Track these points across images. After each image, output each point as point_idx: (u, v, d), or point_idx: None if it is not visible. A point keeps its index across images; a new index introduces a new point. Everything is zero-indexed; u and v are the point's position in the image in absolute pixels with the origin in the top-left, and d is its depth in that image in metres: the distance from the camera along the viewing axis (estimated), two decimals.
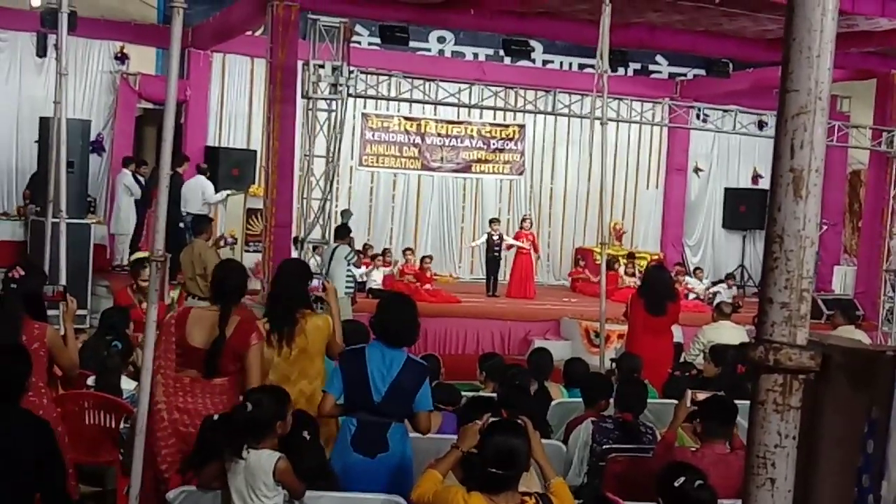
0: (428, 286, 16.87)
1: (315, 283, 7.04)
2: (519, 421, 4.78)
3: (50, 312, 6.61)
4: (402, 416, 5.69)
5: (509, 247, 18.38)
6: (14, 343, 5.45)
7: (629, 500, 5.35)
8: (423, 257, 17.81)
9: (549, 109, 16.65)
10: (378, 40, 16.83)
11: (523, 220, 19.01)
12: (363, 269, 16.37)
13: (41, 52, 16.45)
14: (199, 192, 15.78)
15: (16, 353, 5.14)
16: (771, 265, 1.78)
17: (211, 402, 5.77)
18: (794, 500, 1.73)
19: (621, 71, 19.01)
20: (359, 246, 17.64)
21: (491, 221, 18.50)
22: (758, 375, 1.76)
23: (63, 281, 10.26)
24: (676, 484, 4.64)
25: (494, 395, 7.45)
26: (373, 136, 19.85)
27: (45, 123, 13.78)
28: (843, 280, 20.33)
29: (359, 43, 18.22)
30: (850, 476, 1.75)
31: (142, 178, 16.55)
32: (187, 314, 6.03)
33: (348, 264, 13.31)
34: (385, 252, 18.19)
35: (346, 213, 17.40)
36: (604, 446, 6.76)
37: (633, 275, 18.28)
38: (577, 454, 6.99)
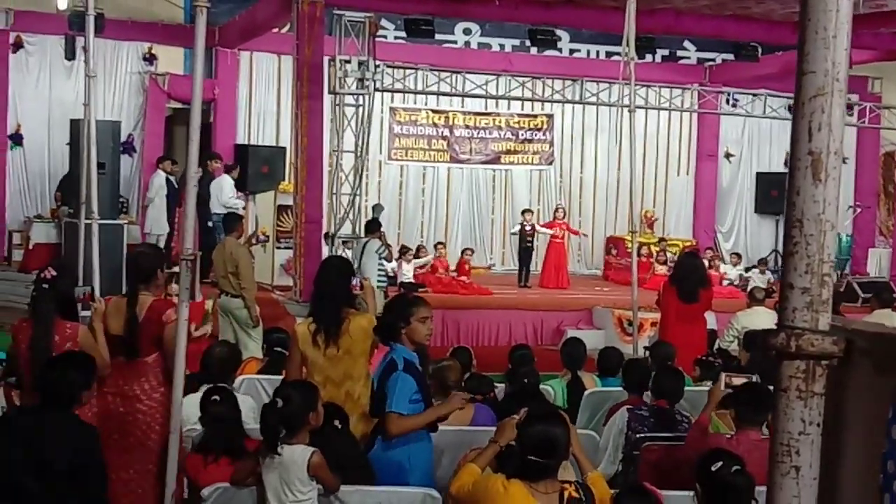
0: (464, 278, 16.86)
1: (353, 280, 6.97)
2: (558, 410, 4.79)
3: (84, 313, 6.67)
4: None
5: (543, 226, 18.38)
6: (73, 353, 5.51)
7: (664, 488, 5.31)
8: (464, 249, 17.79)
9: (577, 98, 16.63)
10: (404, 34, 16.83)
11: (556, 209, 18.98)
12: (394, 263, 16.38)
13: (70, 54, 16.58)
14: (217, 192, 15.74)
15: (69, 361, 5.19)
16: (791, 250, 1.75)
17: (137, 383, 5.88)
18: (820, 488, 1.71)
19: (649, 58, 18.88)
20: (394, 243, 17.71)
21: (523, 212, 18.47)
22: (780, 362, 1.74)
23: (97, 281, 10.36)
24: (714, 469, 4.62)
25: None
26: (401, 129, 19.86)
27: (75, 126, 13.91)
28: (878, 262, 20.14)
29: (384, 37, 18.23)
30: (874, 462, 1.72)
31: (173, 178, 16.63)
32: (108, 304, 6.14)
33: (379, 258, 13.32)
34: (419, 248, 18.17)
35: (377, 208, 17.43)
36: (638, 434, 6.73)
37: (665, 262, 18.19)
38: (611, 442, 6.96)
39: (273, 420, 5.03)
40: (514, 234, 19.03)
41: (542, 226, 18.43)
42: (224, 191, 15.94)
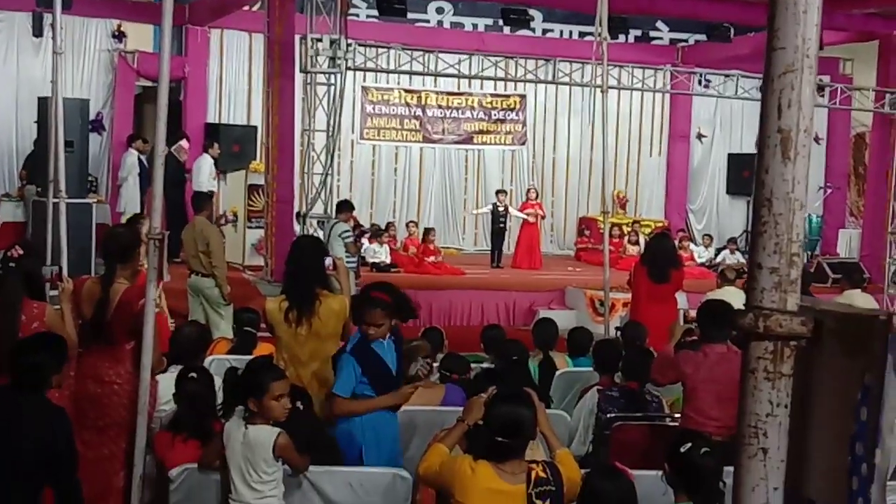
0: (432, 258, 16.83)
1: (327, 261, 6.94)
2: (525, 390, 4.78)
3: (52, 293, 6.61)
4: None
5: (521, 210, 18.36)
6: (46, 334, 5.42)
7: (635, 468, 5.31)
8: (427, 230, 17.75)
9: (550, 78, 16.56)
10: (376, 12, 16.74)
11: (529, 190, 18.97)
12: (366, 243, 16.31)
13: (37, 31, 16.36)
14: (198, 171, 15.80)
15: (42, 343, 5.11)
16: (760, 230, 1.72)
17: (114, 368, 5.81)
18: (787, 470, 1.69)
19: (622, 38, 18.90)
20: (366, 223, 17.68)
21: (497, 192, 18.43)
22: (748, 343, 1.71)
23: (65, 261, 10.25)
24: (682, 450, 4.62)
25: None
26: (373, 109, 19.78)
27: (43, 104, 13.73)
28: (848, 243, 20.25)
29: (356, 16, 18.12)
30: (843, 444, 1.70)
31: (144, 157, 16.48)
32: (82, 285, 6.04)
33: (343, 242, 13.13)
34: (389, 226, 18.14)
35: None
36: (609, 415, 6.75)
37: (637, 243, 18.23)
38: (581, 422, 6.98)
39: (232, 386, 5.09)
40: (477, 213, 19.18)
41: (521, 209, 18.40)
42: (202, 171, 15.84)
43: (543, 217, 19.07)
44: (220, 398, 5.59)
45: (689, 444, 4.63)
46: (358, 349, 5.69)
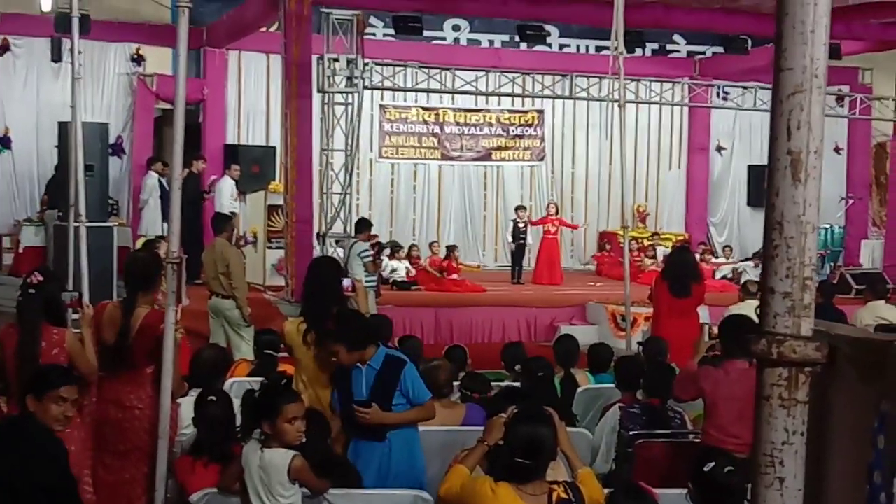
0: (455, 276, 16.80)
1: (346, 282, 6.94)
2: (545, 410, 4.74)
3: (75, 317, 6.61)
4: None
5: (534, 223, 18.29)
6: (58, 366, 5.41)
7: (658, 486, 5.26)
8: (450, 247, 17.73)
9: (567, 94, 16.56)
10: (392, 31, 16.76)
11: (548, 205, 18.93)
12: (385, 260, 16.26)
13: (56, 56, 16.49)
14: (219, 193, 15.92)
15: (50, 370, 5.10)
16: (771, 253, 1.69)
17: (135, 393, 5.83)
18: (805, 499, 1.65)
19: (639, 52, 18.88)
20: (385, 241, 17.63)
21: (517, 209, 18.40)
22: (762, 370, 1.67)
23: (86, 285, 10.28)
24: (706, 469, 4.57)
25: (517, 384, 7.41)
26: (391, 127, 19.80)
27: (63, 128, 13.82)
28: (871, 254, 20.10)
29: (373, 35, 18.17)
30: (861, 473, 1.66)
31: (164, 179, 16.56)
32: (103, 310, 6.05)
33: (362, 261, 13.06)
34: (412, 248, 18.09)
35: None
36: (631, 432, 6.69)
37: (655, 257, 18.15)
38: (604, 440, 6.93)
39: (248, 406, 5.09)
40: (511, 243, 18.98)
41: (534, 223, 18.36)
42: (223, 193, 15.93)
43: (574, 227, 19.15)
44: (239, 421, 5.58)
45: (713, 464, 4.58)
46: (336, 371, 5.90)
